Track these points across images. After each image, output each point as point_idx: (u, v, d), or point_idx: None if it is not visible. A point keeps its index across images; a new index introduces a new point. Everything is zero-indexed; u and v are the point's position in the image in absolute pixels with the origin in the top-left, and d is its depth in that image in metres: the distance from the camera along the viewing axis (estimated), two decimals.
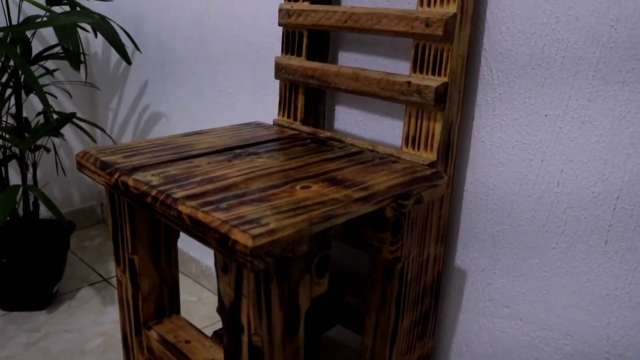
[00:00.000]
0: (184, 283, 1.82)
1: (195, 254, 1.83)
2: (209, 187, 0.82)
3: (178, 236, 1.04)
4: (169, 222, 0.80)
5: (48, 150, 1.77)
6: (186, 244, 1.86)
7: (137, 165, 0.91)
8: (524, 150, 1.00)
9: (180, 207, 0.76)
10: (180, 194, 0.79)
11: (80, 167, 0.97)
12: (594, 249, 0.96)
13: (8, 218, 1.78)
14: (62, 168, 1.74)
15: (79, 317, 1.61)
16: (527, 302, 1.06)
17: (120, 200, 0.97)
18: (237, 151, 1.00)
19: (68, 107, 2.07)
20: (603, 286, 0.96)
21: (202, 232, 0.72)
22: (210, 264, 1.77)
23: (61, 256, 1.65)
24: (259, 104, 1.47)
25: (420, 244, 1.00)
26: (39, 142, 1.93)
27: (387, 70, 1.13)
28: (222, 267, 0.77)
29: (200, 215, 0.73)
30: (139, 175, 0.86)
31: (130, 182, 0.85)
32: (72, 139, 2.10)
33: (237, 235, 0.67)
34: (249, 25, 1.44)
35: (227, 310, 0.78)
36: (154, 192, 0.81)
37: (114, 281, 1.81)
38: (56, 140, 2.06)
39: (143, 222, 0.98)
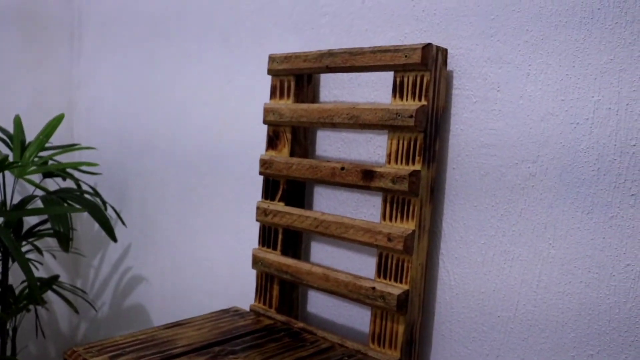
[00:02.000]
0: None
1: None
2: None
3: None
4: None
5: (29, 311, 1.82)
6: None
7: None
8: (481, 346, 1.09)
9: None
10: None
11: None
12: None
13: None
14: (42, 331, 1.79)
15: None
16: None
17: None
18: (216, 349, 1.07)
19: (53, 265, 2.14)
20: None
21: None
22: None
23: None
24: (238, 283, 1.56)
25: None
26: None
27: (355, 268, 1.24)
28: None
29: None
30: None
31: None
32: (52, 295, 2.15)
33: None
34: (230, 214, 1.56)
35: None
36: None
37: None
38: None
39: None
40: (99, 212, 1.52)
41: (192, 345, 1.09)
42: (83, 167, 1.90)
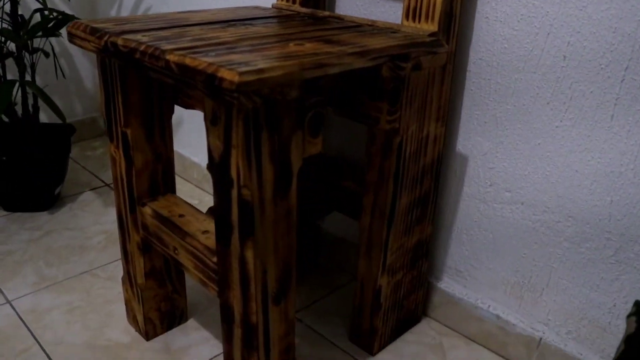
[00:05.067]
0: (186, 188, 1.81)
1: (196, 158, 1.81)
2: (199, 43, 0.79)
3: (172, 112, 1.02)
4: (158, 75, 0.77)
5: (47, 55, 1.73)
6: (188, 149, 1.84)
7: (128, 30, 0.88)
8: (530, 24, 0.96)
9: (168, 57, 0.73)
10: (168, 47, 0.76)
11: (72, 37, 0.94)
12: (599, 124, 0.93)
13: (6, 119, 1.77)
14: (62, 71, 1.71)
15: (80, 217, 1.62)
16: (529, 185, 1.04)
17: (112, 69, 0.94)
18: (232, 23, 0.96)
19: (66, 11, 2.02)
20: (608, 163, 0.94)
21: (189, 77, 0.70)
22: None
23: (62, 158, 1.64)
24: None
25: (420, 119, 0.97)
26: (37, 45, 1.91)
27: None
28: (211, 120, 0.74)
29: (187, 61, 0.70)
30: (129, 36, 0.83)
31: (120, 42, 0.82)
32: (73, 47, 2.06)
33: (224, 73, 0.65)
34: None
35: (217, 164, 0.76)
36: (142, 47, 0.78)
37: None
38: (56, 47, 2.02)
39: (135, 92, 0.95)
40: None
41: (206, 20, 0.98)
42: None
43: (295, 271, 0.87)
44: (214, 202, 0.80)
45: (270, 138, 0.73)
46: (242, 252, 0.79)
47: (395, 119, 0.91)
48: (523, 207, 1.06)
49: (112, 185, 1.81)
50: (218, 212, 0.80)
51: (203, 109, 0.86)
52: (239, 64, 0.67)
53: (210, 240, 0.91)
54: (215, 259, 0.87)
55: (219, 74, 0.65)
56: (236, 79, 0.63)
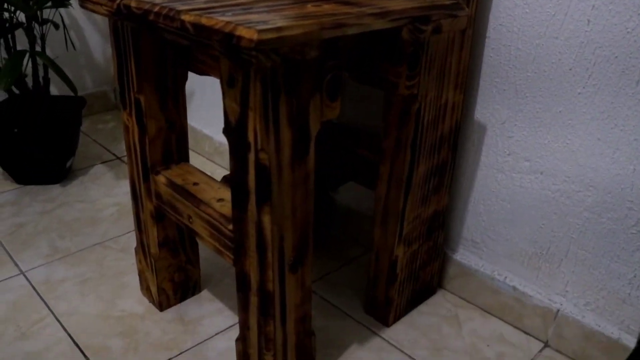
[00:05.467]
0: (197, 161, 1.80)
1: (208, 131, 1.80)
2: (214, 4, 0.77)
3: (186, 79, 1.00)
4: (173, 36, 0.75)
5: (57, 27, 1.71)
6: (199, 122, 1.83)
7: None
8: None
9: (183, 17, 0.71)
10: (183, 7, 0.74)
11: (83, 1, 0.92)
12: (624, 91, 0.90)
13: (17, 91, 1.76)
14: (72, 43, 1.69)
15: (92, 190, 1.61)
16: (548, 154, 1.02)
17: (124, 34, 0.93)
18: None
19: None
20: (631, 131, 0.91)
21: (205, 37, 0.68)
22: (223, 139, 1.74)
23: (73, 130, 1.63)
24: None
25: (439, 86, 0.95)
26: (47, 17, 1.89)
27: None
28: (227, 81, 0.73)
29: (203, 20, 0.68)
30: None
31: (133, 4, 0.80)
32: (83, 20, 2.04)
33: (242, 31, 0.63)
34: None
35: (233, 127, 0.75)
36: (156, 9, 0.76)
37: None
38: (66, 19, 2.00)
39: (148, 57, 0.94)
40: None
41: None
42: None
43: (312, 239, 0.85)
44: (230, 166, 0.79)
45: (289, 100, 0.72)
46: (259, 217, 0.77)
47: (414, 84, 0.89)
48: (542, 177, 1.04)
49: (123, 159, 1.80)
50: (234, 177, 0.78)
51: (217, 74, 0.85)
52: (257, 23, 0.65)
53: (226, 208, 0.90)
54: (230, 227, 0.86)
55: (237, 33, 0.63)
56: (255, 36, 0.61)
